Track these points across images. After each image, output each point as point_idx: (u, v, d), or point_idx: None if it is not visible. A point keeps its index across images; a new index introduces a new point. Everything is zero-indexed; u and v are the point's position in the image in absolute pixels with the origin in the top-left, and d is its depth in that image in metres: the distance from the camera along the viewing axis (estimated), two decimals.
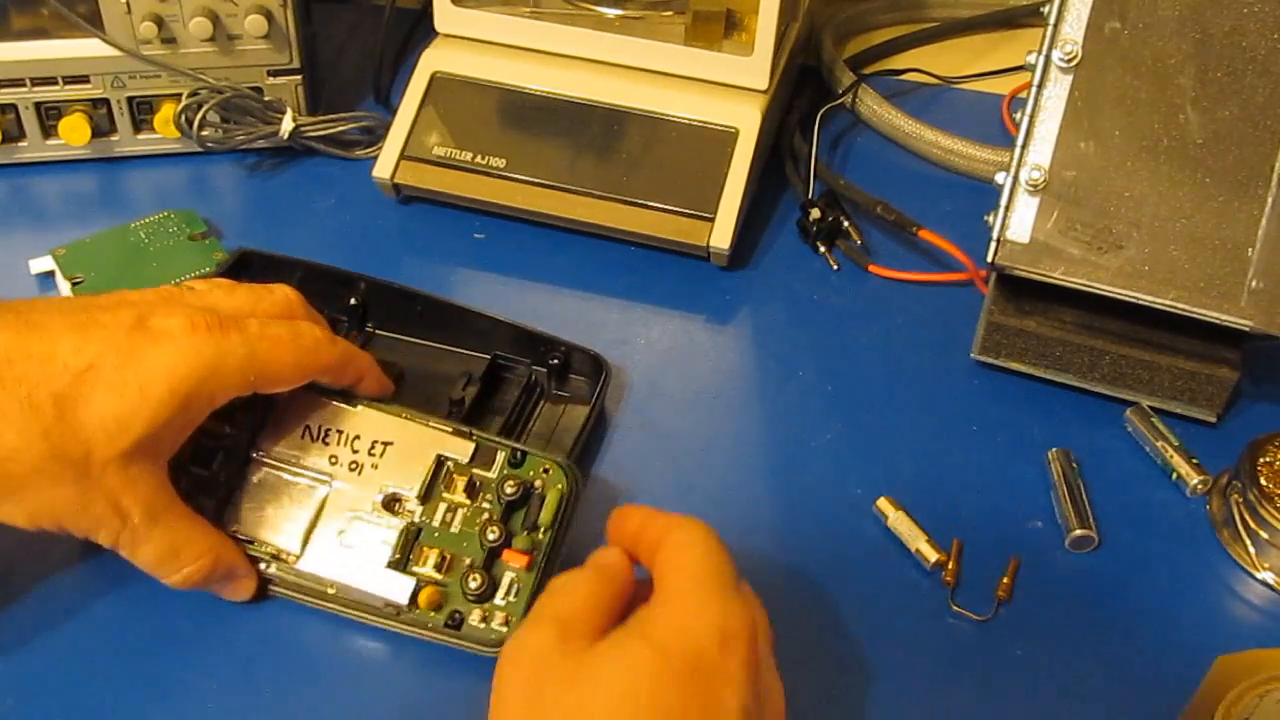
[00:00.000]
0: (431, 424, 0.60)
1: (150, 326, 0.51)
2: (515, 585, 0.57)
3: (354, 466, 0.60)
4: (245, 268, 0.69)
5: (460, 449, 0.60)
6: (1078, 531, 0.63)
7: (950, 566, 0.61)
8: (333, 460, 0.60)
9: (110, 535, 0.53)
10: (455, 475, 0.60)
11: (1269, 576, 0.62)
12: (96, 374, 0.50)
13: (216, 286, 0.58)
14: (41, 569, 0.59)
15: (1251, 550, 0.63)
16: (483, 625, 0.56)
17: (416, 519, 0.59)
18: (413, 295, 0.69)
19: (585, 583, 0.50)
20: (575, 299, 0.76)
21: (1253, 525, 0.62)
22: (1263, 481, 0.62)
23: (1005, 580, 0.61)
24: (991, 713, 0.57)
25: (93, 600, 0.59)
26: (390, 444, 0.60)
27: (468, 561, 0.58)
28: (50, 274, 0.73)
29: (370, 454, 0.60)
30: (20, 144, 0.81)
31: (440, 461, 0.60)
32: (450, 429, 0.60)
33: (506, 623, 0.56)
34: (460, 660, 0.57)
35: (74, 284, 0.72)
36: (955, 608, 0.60)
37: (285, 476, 0.60)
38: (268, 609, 0.58)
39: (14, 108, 0.79)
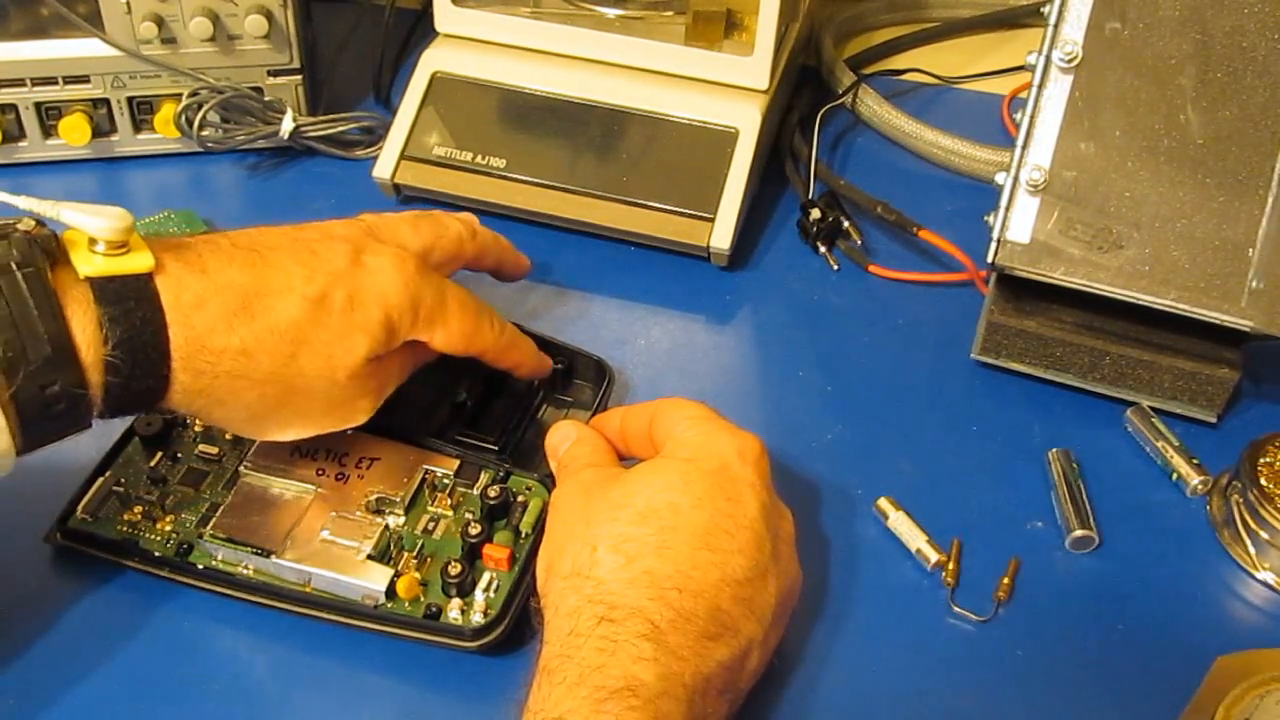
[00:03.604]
0: (418, 446, 0.62)
1: (365, 261, 0.56)
2: (495, 581, 0.57)
3: (340, 477, 0.60)
4: None
5: (446, 465, 0.61)
6: (1078, 531, 0.63)
7: (950, 566, 0.61)
8: (319, 472, 0.61)
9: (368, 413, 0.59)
10: (440, 491, 0.61)
11: (1269, 576, 0.62)
12: (329, 303, 0.55)
13: (402, 221, 0.62)
14: (41, 572, 0.60)
15: (1251, 550, 0.63)
16: (461, 618, 0.56)
17: (399, 526, 0.59)
18: None
19: (592, 437, 0.60)
20: (575, 299, 0.76)
21: (1253, 525, 0.62)
22: (1263, 481, 0.62)
23: (1005, 580, 0.61)
24: (991, 713, 0.57)
25: (92, 604, 0.59)
26: (377, 459, 0.61)
27: (448, 556, 0.58)
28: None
29: (357, 467, 0.61)
30: (20, 144, 0.81)
31: (425, 476, 0.61)
32: (436, 449, 0.62)
33: (485, 614, 0.56)
34: (442, 662, 0.57)
35: None
36: (955, 608, 0.60)
37: (272, 488, 0.60)
38: (263, 616, 0.58)
39: (14, 108, 0.80)
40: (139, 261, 0.51)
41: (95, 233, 0.50)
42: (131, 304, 0.50)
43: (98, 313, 0.49)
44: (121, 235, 0.50)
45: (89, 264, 0.50)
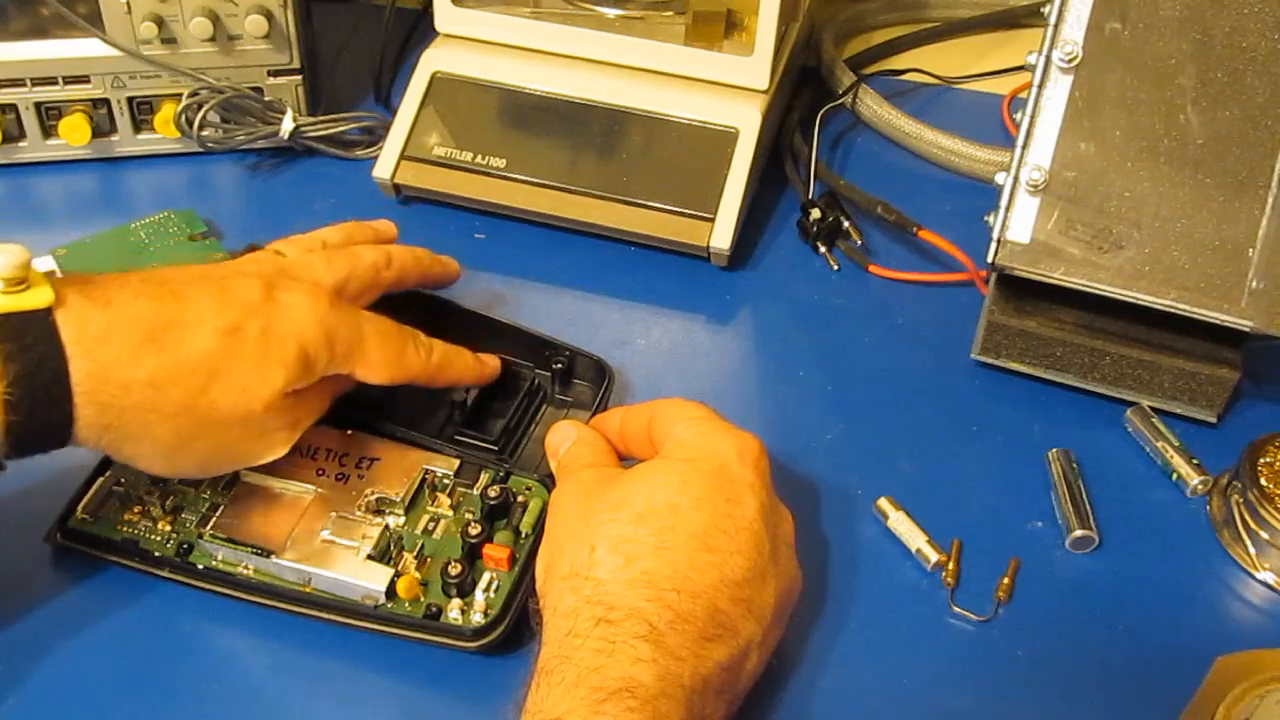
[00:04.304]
0: (418, 447, 0.62)
1: (278, 298, 0.56)
2: (495, 581, 0.57)
3: (340, 477, 0.60)
4: None
5: (446, 465, 0.61)
6: (1078, 532, 0.63)
7: (950, 566, 0.61)
8: (319, 472, 0.61)
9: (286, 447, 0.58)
10: (439, 491, 0.61)
11: (1269, 576, 0.62)
12: (243, 334, 0.54)
13: (315, 256, 0.62)
14: (41, 572, 0.60)
15: (1251, 550, 0.63)
16: (461, 618, 0.56)
17: (399, 526, 0.59)
18: (414, 297, 0.68)
19: (592, 437, 0.60)
20: (575, 299, 0.76)
21: (1253, 525, 0.62)
22: (1263, 482, 0.62)
23: (1005, 580, 0.61)
24: (991, 713, 0.57)
25: (92, 604, 0.59)
26: (377, 459, 0.61)
27: (448, 556, 0.58)
28: (50, 274, 0.73)
29: (357, 467, 0.61)
30: (20, 144, 0.81)
31: (425, 476, 0.61)
32: (437, 449, 0.62)
33: (485, 614, 0.56)
34: (442, 662, 0.57)
35: None
36: (955, 608, 0.60)
37: (272, 488, 0.60)
38: (263, 616, 0.58)
39: (14, 108, 0.80)
40: (38, 297, 0.50)
41: None
42: (29, 340, 0.49)
43: None
44: (18, 272, 0.50)
45: None
